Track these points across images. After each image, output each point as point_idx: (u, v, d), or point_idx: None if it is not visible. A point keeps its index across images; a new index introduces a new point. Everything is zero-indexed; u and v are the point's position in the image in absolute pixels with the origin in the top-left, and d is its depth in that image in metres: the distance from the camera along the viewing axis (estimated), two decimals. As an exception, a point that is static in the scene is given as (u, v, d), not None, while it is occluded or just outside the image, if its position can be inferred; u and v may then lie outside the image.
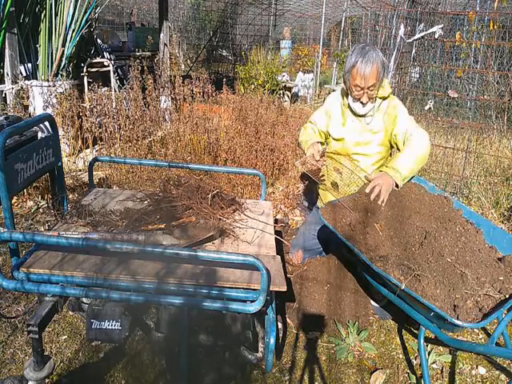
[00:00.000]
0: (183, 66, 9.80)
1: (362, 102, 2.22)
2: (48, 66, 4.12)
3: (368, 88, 2.16)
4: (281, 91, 7.24)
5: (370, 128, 2.32)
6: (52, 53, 4.15)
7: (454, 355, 2.06)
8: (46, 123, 1.75)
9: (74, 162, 3.90)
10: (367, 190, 2.02)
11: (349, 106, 2.32)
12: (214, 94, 4.52)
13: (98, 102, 3.81)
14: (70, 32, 4.18)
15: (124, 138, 3.80)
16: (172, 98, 4.54)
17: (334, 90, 5.18)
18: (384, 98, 2.27)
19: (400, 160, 2.09)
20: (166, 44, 5.59)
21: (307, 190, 3.11)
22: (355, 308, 2.21)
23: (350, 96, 2.27)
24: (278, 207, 3.47)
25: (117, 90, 4.80)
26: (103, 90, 4.23)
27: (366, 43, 2.25)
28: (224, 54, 10.24)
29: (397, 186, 2.05)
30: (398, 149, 2.28)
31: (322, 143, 2.43)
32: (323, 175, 2.39)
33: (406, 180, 2.11)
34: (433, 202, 2.10)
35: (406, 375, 1.97)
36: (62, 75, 4.16)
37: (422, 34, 4.12)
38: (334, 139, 2.44)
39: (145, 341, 2.02)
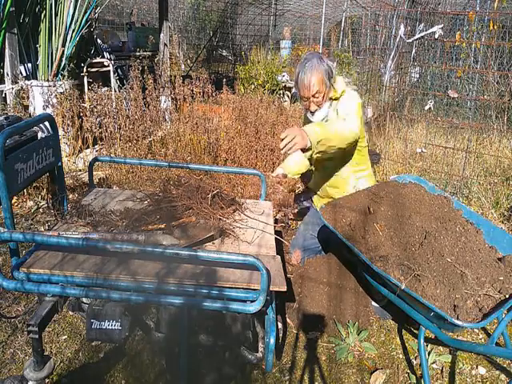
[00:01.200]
0: (183, 66, 9.80)
1: (311, 111, 2.27)
2: (48, 66, 4.12)
3: (313, 96, 2.20)
4: (281, 91, 7.23)
5: None
6: (52, 53, 4.15)
7: (454, 355, 2.06)
8: (46, 123, 1.75)
9: (74, 162, 3.90)
10: (282, 136, 1.89)
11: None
12: (213, 94, 4.52)
13: (98, 102, 3.81)
14: (70, 32, 4.18)
15: (124, 138, 3.80)
16: (172, 98, 4.54)
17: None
18: (337, 99, 2.28)
19: (315, 124, 2.05)
20: (165, 44, 5.59)
21: (307, 189, 3.12)
22: (355, 308, 2.21)
23: None
24: (278, 207, 3.47)
25: (117, 89, 4.80)
26: (103, 90, 4.23)
27: (311, 52, 2.32)
28: (224, 53, 10.24)
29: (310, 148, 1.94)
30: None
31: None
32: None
33: (317, 143, 1.94)
34: (433, 202, 2.10)
35: (406, 375, 1.97)
36: (62, 75, 4.16)
37: (422, 34, 4.13)
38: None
39: (145, 341, 2.02)
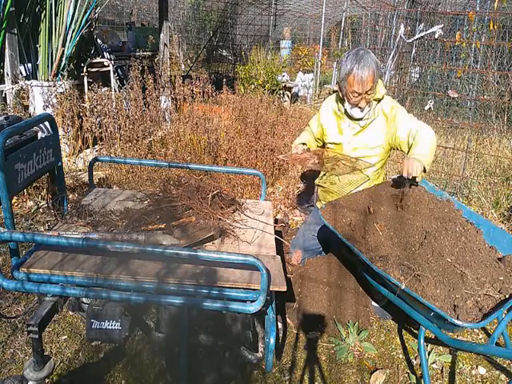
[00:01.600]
0: (183, 66, 9.81)
1: (360, 107, 2.22)
2: (48, 66, 4.12)
3: (366, 93, 2.16)
4: (281, 91, 7.24)
5: (367, 131, 2.32)
6: (52, 53, 4.15)
7: (454, 355, 2.06)
8: (46, 123, 1.75)
9: (74, 162, 3.90)
10: (404, 174, 1.96)
11: (345, 112, 2.32)
12: (213, 94, 4.52)
13: (98, 102, 3.81)
14: (70, 32, 4.18)
15: (124, 138, 3.80)
16: (172, 98, 4.54)
17: (334, 90, 5.18)
18: (378, 100, 2.27)
19: (417, 152, 2.05)
20: (165, 44, 5.59)
21: (307, 189, 3.12)
22: (355, 308, 2.21)
23: (346, 102, 2.26)
24: (278, 207, 3.47)
25: (117, 89, 4.80)
26: (103, 90, 4.23)
27: (360, 47, 2.24)
28: (224, 53, 10.24)
29: (424, 170, 2.01)
30: (402, 150, 2.26)
31: (306, 144, 2.46)
32: (318, 162, 2.37)
33: (429, 166, 2.07)
34: (433, 201, 2.10)
35: (406, 375, 1.97)
36: (62, 75, 4.16)
37: (422, 34, 4.12)
38: (332, 144, 2.44)
39: (145, 341, 2.02)
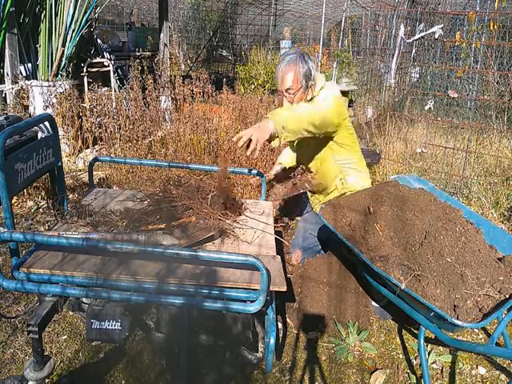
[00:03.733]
0: (183, 66, 9.81)
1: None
2: (48, 66, 4.12)
3: (286, 91, 2.20)
4: (281, 91, 7.23)
5: None
6: (52, 53, 4.15)
7: (454, 355, 2.06)
8: (46, 123, 1.75)
9: (74, 162, 3.90)
10: (234, 139, 1.84)
11: None
12: (213, 94, 4.52)
13: (98, 102, 3.81)
14: (70, 32, 4.18)
15: (124, 138, 3.80)
16: (172, 98, 4.54)
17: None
18: (315, 97, 2.27)
19: (280, 110, 2.02)
20: (166, 44, 5.58)
21: (295, 197, 3.14)
22: (355, 308, 2.21)
23: None
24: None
25: (117, 89, 4.80)
26: (103, 89, 4.23)
27: (297, 49, 2.30)
28: (224, 54, 10.24)
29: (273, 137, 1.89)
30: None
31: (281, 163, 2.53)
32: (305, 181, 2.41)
33: (284, 123, 1.89)
34: (433, 202, 2.10)
35: (406, 375, 1.97)
36: (61, 75, 4.16)
37: (422, 34, 4.13)
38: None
39: (145, 341, 2.02)
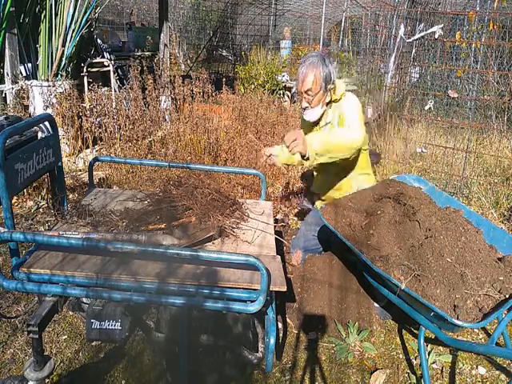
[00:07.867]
0: (183, 66, 9.81)
1: (302, 107, 2.27)
2: (48, 66, 4.12)
3: (305, 92, 2.20)
4: (281, 91, 7.23)
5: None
6: (52, 53, 4.15)
7: (454, 355, 2.06)
8: (46, 123, 1.75)
9: (74, 162, 3.90)
10: (285, 139, 1.92)
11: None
12: (213, 94, 4.52)
13: (97, 102, 3.81)
14: (70, 32, 4.18)
15: (124, 138, 3.80)
16: (172, 98, 4.54)
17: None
18: (336, 101, 2.28)
19: (318, 135, 2.05)
20: (166, 44, 5.59)
21: (307, 189, 3.13)
22: (355, 308, 2.21)
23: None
24: (278, 207, 3.47)
25: (117, 89, 4.80)
26: (103, 90, 4.23)
27: (319, 52, 2.32)
28: (224, 54, 10.24)
29: (309, 159, 1.96)
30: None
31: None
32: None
33: (316, 154, 1.96)
34: (433, 202, 2.10)
35: (406, 375, 1.97)
36: (61, 75, 4.16)
37: (422, 34, 4.13)
38: None
39: (145, 341, 2.02)
